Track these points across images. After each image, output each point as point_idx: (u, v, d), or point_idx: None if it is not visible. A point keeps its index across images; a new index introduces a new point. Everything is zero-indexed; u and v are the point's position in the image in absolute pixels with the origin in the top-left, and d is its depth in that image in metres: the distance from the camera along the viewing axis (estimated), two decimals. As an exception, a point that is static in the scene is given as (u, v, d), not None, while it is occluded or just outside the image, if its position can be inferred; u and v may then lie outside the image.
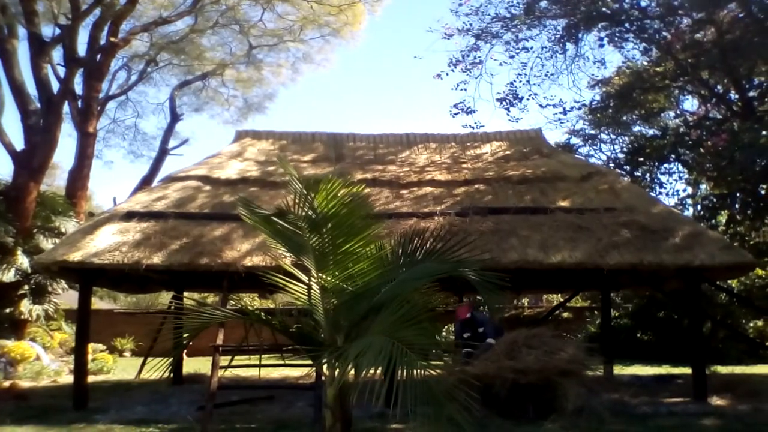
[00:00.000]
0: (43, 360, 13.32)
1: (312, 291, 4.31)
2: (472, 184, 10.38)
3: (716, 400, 8.46)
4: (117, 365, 14.54)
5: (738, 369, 13.99)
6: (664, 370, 14.44)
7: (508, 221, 9.02)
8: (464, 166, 11.17)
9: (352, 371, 3.94)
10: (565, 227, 8.84)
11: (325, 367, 4.29)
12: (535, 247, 8.46)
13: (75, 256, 8.44)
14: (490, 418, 7.23)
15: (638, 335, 18.34)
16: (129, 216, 9.29)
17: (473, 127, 15.42)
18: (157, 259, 8.49)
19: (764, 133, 10.67)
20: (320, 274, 4.26)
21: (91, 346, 15.91)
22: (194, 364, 13.13)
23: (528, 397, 7.35)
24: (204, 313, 4.42)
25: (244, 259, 8.39)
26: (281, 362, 8.46)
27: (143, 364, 12.11)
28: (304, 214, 4.42)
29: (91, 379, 12.31)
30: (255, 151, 11.68)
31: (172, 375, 11.30)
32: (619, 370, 13.76)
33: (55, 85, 15.94)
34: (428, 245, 4.88)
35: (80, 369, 8.95)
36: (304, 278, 4.37)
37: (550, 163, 10.99)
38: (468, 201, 9.75)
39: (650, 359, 16.98)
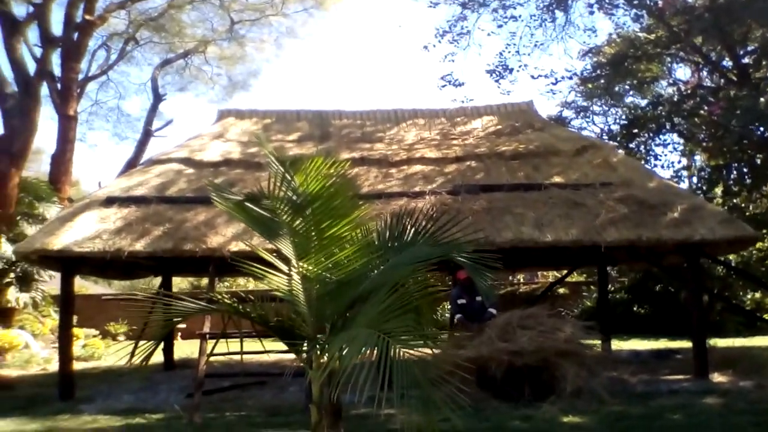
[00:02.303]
0: (32, 348, 13.13)
1: (293, 281, 4.03)
2: (463, 160, 10.09)
3: (717, 377, 8.28)
4: (110, 350, 14.31)
5: (737, 341, 13.91)
6: (661, 344, 14.34)
7: (501, 199, 8.76)
8: (454, 142, 10.86)
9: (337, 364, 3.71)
10: (560, 204, 8.58)
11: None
12: (529, 225, 8.21)
13: (54, 245, 8.16)
14: (486, 401, 7.05)
15: (635, 309, 18.29)
16: (109, 202, 8.99)
17: (462, 102, 15.14)
18: (139, 246, 8.22)
19: (762, 100, 10.38)
20: (301, 263, 3.98)
21: (83, 331, 15.80)
22: (188, 348, 12.88)
23: (525, 378, 7.15)
24: (177, 305, 4.15)
25: (230, 243, 8.11)
26: (263, 350, 8.26)
27: (134, 350, 11.85)
28: (283, 197, 4.14)
29: (81, 366, 12.16)
30: (238, 131, 11.34)
31: (163, 360, 11.11)
32: (616, 344, 13.62)
33: (32, 67, 15.50)
34: (418, 227, 4.63)
35: (65, 358, 8.70)
36: (284, 268, 4.09)
37: (543, 136, 10.70)
38: (459, 179, 9.48)
39: (647, 333, 16.93)
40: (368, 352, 3.38)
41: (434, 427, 3.30)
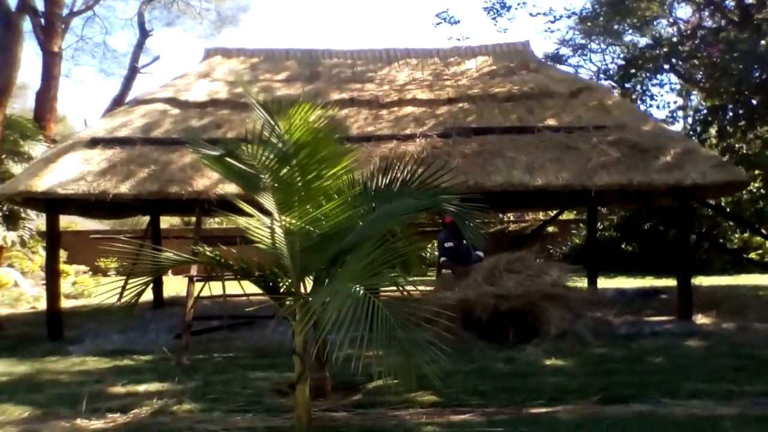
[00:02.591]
0: (21, 286, 13.16)
1: (275, 235, 3.96)
2: (455, 102, 9.86)
3: (701, 318, 8.38)
4: (100, 286, 14.37)
5: (723, 279, 14.12)
6: (648, 281, 14.54)
7: (493, 142, 8.62)
8: (447, 83, 10.59)
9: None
10: (552, 147, 8.46)
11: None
12: (520, 169, 8.12)
13: (38, 187, 8.06)
14: (471, 342, 7.14)
15: (623, 246, 18.49)
16: (93, 143, 8.83)
17: (458, 39, 14.77)
18: (124, 188, 8.12)
19: (762, 42, 10.13)
20: (284, 216, 3.90)
21: (73, 267, 15.87)
22: (178, 285, 12.89)
23: (510, 321, 7.21)
24: (160, 257, 4.11)
25: (216, 186, 8.00)
26: (251, 293, 8.27)
27: (123, 287, 11.88)
28: (268, 143, 4.02)
29: (71, 304, 12.24)
30: (225, 70, 11.03)
31: (152, 298, 11.16)
32: (603, 282, 13.81)
33: (13, 1, 14.95)
34: (406, 175, 4.55)
35: (52, 299, 8.67)
36: (267, 220, 4.03)
37: (538, 78, 10.45)
38: (451, 121, 9.28)
39: (634, 270, 17.16)
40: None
41: (413, 382, 3.33)
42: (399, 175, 4.58)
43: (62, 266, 15.03)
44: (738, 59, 10.07)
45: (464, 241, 8.08)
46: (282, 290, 3.95)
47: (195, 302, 7.48)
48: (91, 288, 13.84)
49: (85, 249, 17.69)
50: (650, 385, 5.09)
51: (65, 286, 13.78)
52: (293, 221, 3.91)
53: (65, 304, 11.86)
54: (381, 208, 4.26)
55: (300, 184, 3.90)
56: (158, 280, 11.67)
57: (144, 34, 20.41)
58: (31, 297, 12.51)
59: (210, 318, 8.87)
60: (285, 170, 3.86)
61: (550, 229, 17.91)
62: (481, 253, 8.03)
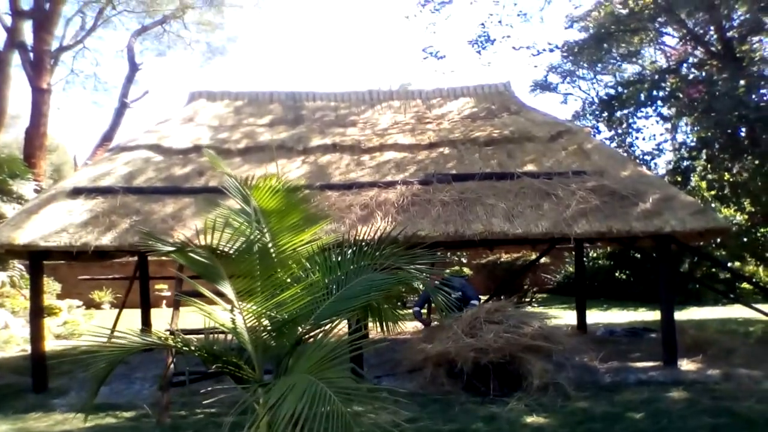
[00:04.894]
0: (11, 327, 13.09)
1: (236, 321, 3.96)
2: (436, 147, 9.92)
3: (686, 364, 8.36)
4: (91, 323, 14.32)
5: (715, 311, 14.10)
6: (639, 314, 14.52)
7: (472, 189, 8.62)
8: (429, 126, 10.66)
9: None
10: (532, 194, 8.48)
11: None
12: (500, 217, 8.13)
13: (20, 239, 8.06)
14: (454, 394, 7.14)
15: (617, 275, 18.50)
16: (75, 192, 8.86)
17: (443, 73, 14.92)
18: (106, 240, 8.13)
19: (742, 82, 10.21)
20: (244, 304, 3.91)
21: (66, 302, 15.81)
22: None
23: (492, 373, 7.20)
24: (123, 343, 4.11)
25: (197, 238, 8.00)
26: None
27: (113, 328, 11.85)
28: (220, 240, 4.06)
29: (61, 345, 12.17)
30: (209, 114, 11.10)
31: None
32: (594, 314, 13.81)
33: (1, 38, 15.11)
34: (373, 247, 4.55)
35: (37, 351, 8.62)
36: (227, 306, 4.03)
37: (519, 121, 10.52)
38: (432, 167, 9.33)
39: (627, 299, 17.15)
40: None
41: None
42: (372, 234, 4.61)
43: (54, 303, 15.05)
44: (717, 99, 10.14)
45: (453, 295, 8.10)
46: (244, 377, 3.93)
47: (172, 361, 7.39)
48: (80, 330, 13.75)
49: (80, 282, 17.67)
50: (625, 453, 5.07)
51: (55, 325, 13.77)
52: (253, 308, 3.91)
53: (55, 346, 11.83)
54: (346, 288, 4.25)
55: (259, 273, 3.91)
56: (147, 318, 11.64)
57: (134, 68, 20.59)
58: (21, 339, 12.42)
59: (190, 374, 8.78)
60: (243, 263, 3.88)
61: (543, 258, 17.94)
62: (476, 302, 8.05)
